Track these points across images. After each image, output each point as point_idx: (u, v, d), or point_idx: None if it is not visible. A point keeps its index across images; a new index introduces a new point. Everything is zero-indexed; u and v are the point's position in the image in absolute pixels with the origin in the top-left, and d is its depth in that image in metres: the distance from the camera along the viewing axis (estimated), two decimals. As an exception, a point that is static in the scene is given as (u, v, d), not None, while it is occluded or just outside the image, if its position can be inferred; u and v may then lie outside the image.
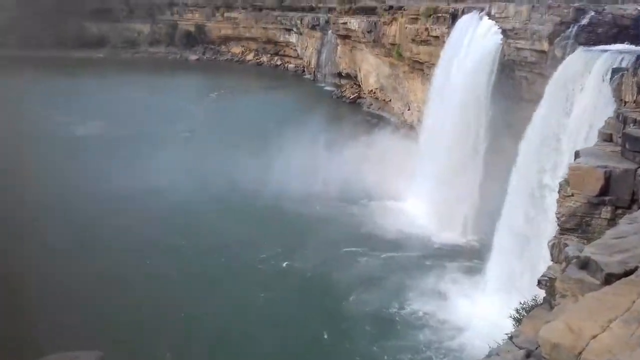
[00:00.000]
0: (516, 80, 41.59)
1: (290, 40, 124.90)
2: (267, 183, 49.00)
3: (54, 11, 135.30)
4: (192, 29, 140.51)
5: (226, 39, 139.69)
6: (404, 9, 70.71)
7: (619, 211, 18.28)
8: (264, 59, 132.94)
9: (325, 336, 31.41)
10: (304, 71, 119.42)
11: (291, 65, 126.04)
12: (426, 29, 60.31)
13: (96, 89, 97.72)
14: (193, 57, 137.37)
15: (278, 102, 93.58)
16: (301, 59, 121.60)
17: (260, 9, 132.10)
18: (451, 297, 34.84)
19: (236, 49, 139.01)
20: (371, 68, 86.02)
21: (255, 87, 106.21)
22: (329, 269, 38.48)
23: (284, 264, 39.52)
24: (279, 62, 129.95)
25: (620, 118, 21.24)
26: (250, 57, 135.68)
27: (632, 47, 29.50)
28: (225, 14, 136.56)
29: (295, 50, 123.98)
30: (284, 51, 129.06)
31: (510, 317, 19.69)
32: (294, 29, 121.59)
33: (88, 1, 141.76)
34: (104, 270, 36.79)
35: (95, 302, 33.05)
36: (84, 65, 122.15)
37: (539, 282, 18.19)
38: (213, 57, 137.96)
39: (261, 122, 75.84)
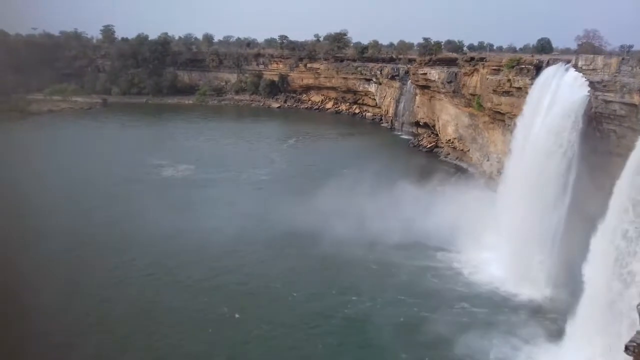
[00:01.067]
0: (604, 134, 39.99)
1: (369, 90, 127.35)
2: (344, 231, 48.94)
3: (153, 60, 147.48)
4: (275, 78, 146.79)
5: (307, 88, 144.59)
6: (486, 60, 70.52)
7: None
8: (343, 107, 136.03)
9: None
10: (381, 120, 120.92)
11: (369, 114, 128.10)
12: (508, 80, 59.68)
13: (186, 134, 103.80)
14: (275, 104, 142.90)
15: (355, 149, 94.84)
16: (379, 107, 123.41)
17: (342, 60, 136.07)
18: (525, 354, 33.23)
19: (316, 98, 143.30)
20: (450, 118, 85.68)
21: (333, 134, 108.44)
22: (412, 320, 37.92)
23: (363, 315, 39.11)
24: (357, 111, 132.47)
25: None
26: (329, 105, 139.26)
27: None
28: (308, 65, 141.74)
29: (374, 99, 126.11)
30: (363, 100, 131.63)
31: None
32: (373, 79, 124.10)
33: (183, 52, 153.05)
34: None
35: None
36: (176, 111, 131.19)
37: (627, 348, 17.08)
38: (294, 105, 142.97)
39: (338, 169, 76.57)
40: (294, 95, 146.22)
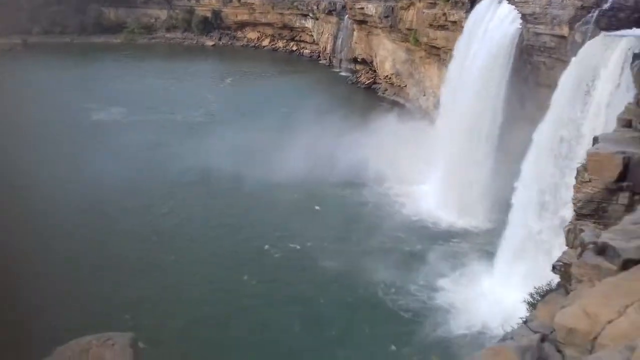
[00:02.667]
0: (534, 66, 41.05)
1: (306, 26, 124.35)
2: (282, 167, 49.13)
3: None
4: (208, 14, 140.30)
5: (242, 25, 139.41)
6: (422, -6, 69.90)
7: (637, 197, 18.10)
8: (280, 44, 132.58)
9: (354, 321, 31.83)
10: (319, 57, 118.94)
11: (307, 51, 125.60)
12: (444, 14, 59.59)
13: (114, 75, 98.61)
14: (209, 42, 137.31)
15: (293, 87, 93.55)
16: (317, 44, 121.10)
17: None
18: (462, 280, 34.92)
19: (252, 35, 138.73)
20: (387, 53, 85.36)
21: (270, 72, 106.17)
22: (350, 250, 38.99)
23: (298, 248, 39.83)
24: (294, 48, 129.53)
25: (641, 103, 20.94)
26: (266, 42, 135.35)
27: (655, 32, 28.95)
28: (242, 0, 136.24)
29: (311, 35, 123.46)
30: (300, 37, 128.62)
31: (524, 301, 19.69)
32: (310, 15, 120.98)
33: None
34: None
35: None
36: (103, 51, 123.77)
37: (554, 267, 18.10)
38: (229, 43, 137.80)
39: (276, 107, 75.97)
40: (229, 32, 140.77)
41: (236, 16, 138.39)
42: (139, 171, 51.36)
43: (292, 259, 38.61)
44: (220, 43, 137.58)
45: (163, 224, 43.03)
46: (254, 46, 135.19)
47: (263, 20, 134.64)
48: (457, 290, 34.06)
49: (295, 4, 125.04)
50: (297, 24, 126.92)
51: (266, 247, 39.81)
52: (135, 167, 51.91)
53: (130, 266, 36.57)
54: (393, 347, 29.20)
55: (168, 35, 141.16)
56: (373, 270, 36.03)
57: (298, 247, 39.79)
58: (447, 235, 41.29)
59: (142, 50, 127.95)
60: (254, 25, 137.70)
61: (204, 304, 32.94)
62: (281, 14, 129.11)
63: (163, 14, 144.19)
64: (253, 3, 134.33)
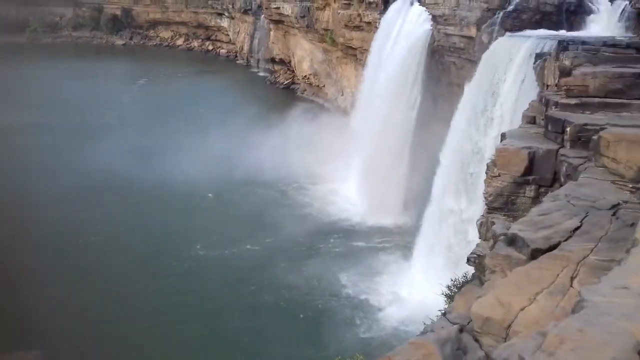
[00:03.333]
0: (445, 66, 42.67)
1: (222, 25, 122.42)
2: (199, 170, 48.23)
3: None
4: (118, 12, 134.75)
5: (155, 24, 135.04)
6: (337, -6, 70.77)
7: (542, 189, 19.17)
8: (195, 44, 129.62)
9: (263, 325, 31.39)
10: (236, 56, 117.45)
11: (223, 51, 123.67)
12: (358, 15, 60.65)
13: (18, 77, 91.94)
14: (120, 42, 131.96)
15: (210, 89, 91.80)
16: (233, 44, 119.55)
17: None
18: (381, 276, 35.64)
19: (165, 34, 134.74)
20: (305, 53, 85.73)
21: (186, 73, 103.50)
22: (265, 249, 38.68)
23: (215, 249, 39.12)
24: (210, 47, 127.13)
25: (543, 101, 22.25)
26: (180, 42, 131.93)
27: (554, 33, 30.84)
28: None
29: (227, 35, 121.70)
30: (216, 36, 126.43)
31: (442, 293, 20.32)
32: (226, 13, 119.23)
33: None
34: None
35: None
36: (5, 51, 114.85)
37: (468, 260, 18.81)
38: (141, 42, 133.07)
39: (192, 109, 74.25)
40: (140, 31, 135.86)
41: (148, 14, 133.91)
42: (36, 177, 48.47)
43: (206, 264, 37.74)
44: (132, 42, 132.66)
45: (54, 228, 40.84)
46: (168, 46, 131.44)
47: (177, 19, 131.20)
48: (377, 286, 34.69)
49: (209, 2, 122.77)
50: (213, 23, 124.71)
51: (175, 251, 38.73)
52: (32, 173, 49.05)
53: (31, 278, 34.23)
54: (314, 348, 29.08)
55: (75, 34, 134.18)
56: (290, 270, 35.94)
57: (202, 253, 38.68)
58: (366, 232, 41.94)
59: (47, 50, 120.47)
60: (167, 24, 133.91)
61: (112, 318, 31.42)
62: (195, 12, 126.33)
63: (68, 12, 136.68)
64: (165, 1, 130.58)
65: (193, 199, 46.47)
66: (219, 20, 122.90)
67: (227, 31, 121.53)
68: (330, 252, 39.06)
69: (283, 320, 31.66)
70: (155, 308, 32.08)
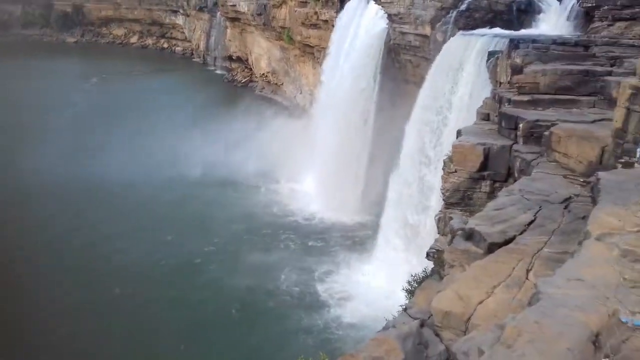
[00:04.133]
0: (402, 64, 43.17)
1: (177, 22, 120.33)
2: (156, 169, 47.39)
3: None
4: (69, 9, 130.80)
5: (107, 21, 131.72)
6: (293, -8, 70.64)
7: (497, 185, 19.69)
8: (149, 41, 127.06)
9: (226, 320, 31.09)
10: (192, 54, 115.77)
11: (179, 49, 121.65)
12: (315, 13, 60.65)
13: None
14: (71, 39, 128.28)
15: (166, 86, 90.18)
16: (189, 41, 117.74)
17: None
18: (341, 273, 35.92)
19: (118, 31, 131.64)
20: (262, 51, 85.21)
21: (140, 71, 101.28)
22: (228, 249, 38.28)
23: (171, 247, 38.52)
24: (165, 45, 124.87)
25: (496, 98, 22.82)
26: (134, 39, 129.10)
27: (506, 32, 31.61)
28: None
29: (183, 32, 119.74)
30: (171, 33, 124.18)
31: (403, 289, 20.59)
32: (180, 11, 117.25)
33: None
34: None
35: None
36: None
37: (428, 255, 19.13)
38: (93, 40, 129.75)
39: (147, 107, 72.71)
40: (92, 28, 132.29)
41: (100, 12, 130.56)
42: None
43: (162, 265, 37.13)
44: (83, 40, 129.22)
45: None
46: (121, 43, 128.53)
47: (130, 16, 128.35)
48: (339, 283, 34.84)
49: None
50: (167, 20, 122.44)
51: (120, 255, 37.62)
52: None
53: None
54: (272, 348, 28.93)
55: (24, 32, 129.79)
56: (251, 269, 35.70)
57: (153, 254, 37.82)
58: (327, 230, 42.01)
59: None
60: (120, 21, 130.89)
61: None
62: (149, 9, 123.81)
63: (17, 10, 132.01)
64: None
65: (143, 200, 45.41)
66: (173, 18, 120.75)
67: (182, 29, 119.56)
68: (288, 250, 39.02)
69: (237, 320, 31.35)
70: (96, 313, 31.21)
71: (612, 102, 17.56)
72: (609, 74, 21.37)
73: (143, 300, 32.35)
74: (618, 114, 14.28)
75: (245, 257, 37.25)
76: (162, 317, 31.02)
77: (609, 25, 28.47)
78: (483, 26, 34.08)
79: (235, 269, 35.69)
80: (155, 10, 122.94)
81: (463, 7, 35.75)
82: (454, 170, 20.66)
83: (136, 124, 62.06)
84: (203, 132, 54.36)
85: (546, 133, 17.89)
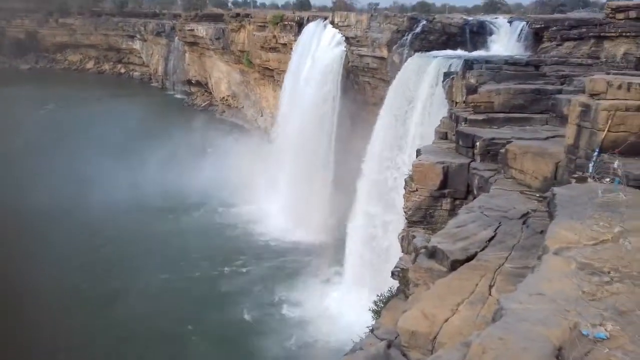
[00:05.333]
0: (361, 85, 43.78)
1: (134, 47, 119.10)
2: (115, 196, 46.29)
3: None
4: (22, 35, 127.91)
5: (62, 47, 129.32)
6: (251, 17, 71.11)
7: (457, 202, 20.01)
8: (106, 67, 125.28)
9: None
10: (150, 79, 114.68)
11: (136, 73, 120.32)
12: (274, 36, 61.18)
13: None
14: (25, 66, 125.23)
15: (124, 112, 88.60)
16: (147, 66, 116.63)
17: (100, 15, 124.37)
18: (307, 293, 35.66)
19: (74, 57, 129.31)
20: (222, 75, 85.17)
21: (98, 96, 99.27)
22: (185, 276, 37.56)
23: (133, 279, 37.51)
24: (122, 70, 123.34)
25: (453, 117, 23.32)
26: (90, 65, 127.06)
27: (460, 53, 32.53)
28: (60, 20, 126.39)
29: (140, 57, 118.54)
30: (128, 58, 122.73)
31: (369, 309, 20.54)
32: (137, 36, 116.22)
33: None
34: None
35: None
36: None
37: (393, 274, 19.20)
38: (48, 66, 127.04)
39: (106, 132, 71.25)
40: (47, 54, 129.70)
41: (54, 37, 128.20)
42: None
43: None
44: (38, 66, 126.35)
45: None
46: (77, 69, 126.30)
47: (86, 42, 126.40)
48: (306, 304, 34.61)
49: (120, 24, 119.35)
50: (124, 46, 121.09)
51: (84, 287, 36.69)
52: None
53: None
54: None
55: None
56: (217, 291, 35.38)
57: (120, 284, 36.96)
58: (293, 252, 41.85)
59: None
60: (76, 46, 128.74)
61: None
62: (105, 35, 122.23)
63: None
64: (73, 24, 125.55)
65: (104, 228, 44.28)
66: (130, 43, 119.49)
67: (139, 53, 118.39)
68: (254, 271, 38.69)
69: (208, 340, 30.77)
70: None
71: (563, 119, 18.15)
72: (560, 92, 22.15)
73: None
74: (569, 130, 14.76)
75: (213, 280, 36.77)
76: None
77: (558, 45, 29.70)
78: (438, 48, 34.99)
79: (194, 296, 35.07)
80: (111, 35, 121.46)
81: (418, 29, 36.65)
82: (415, 189, 20.93)
83: (93, 150, 60.69)
84: (163, 158, 53.54)
85: (502, 150, 18.34)
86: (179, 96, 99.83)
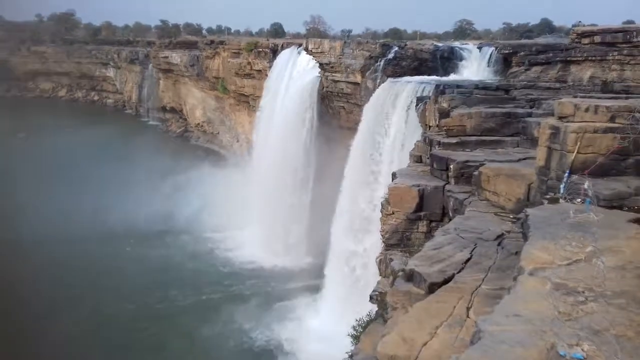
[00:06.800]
0: (335, 110, 44.18)
1: (108, 75, 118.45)
2: (87, 223, 45.53)
3: None
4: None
5: (34, 75, 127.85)
6: (226, 44, 71.55)
7: (433, 224, 20.16)
8: (79, 94, 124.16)
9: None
10: (124, 106, 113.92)
11: (110, 101, 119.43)
12: (249, 63, 61.60)
13: None
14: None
15: (98, 139, 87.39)
16: (121, 93, 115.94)
17: (72, 43, 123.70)
18: (286, 319, 35.26)
19: (46, 85, 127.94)
20: (197, 101, 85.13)
21: (71, 124, 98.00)
22: (165, 305, 36.89)
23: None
24: (96, 98, 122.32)
25: (427, 141, 23.66)
26: (62, 93, 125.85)
27: (432, 78, 33.14)
28: (32, 48, 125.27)
29: (114, 84, 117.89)
30: (102, 86, 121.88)
31: (349, 334, 20.38)
32: (111, 63, 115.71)
33: None
34: None
35: None
36: None
37: (371, 298, 19.15)
38: (19, 95, 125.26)
39: (80, 160, 70.30)
40: (18, 83, 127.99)
41: (26, 65, 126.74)
42: None
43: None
44: (8, 95, 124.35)
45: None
46: (49, 97, 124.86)
47: (58, 70, 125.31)
48: (284, 329, 34.21)
49: (93, 52, 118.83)
50: (97, 73, 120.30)
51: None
52: None
53: None
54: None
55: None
56: (195, 317, 34.73)
57: (98, 311, 36.28)
58: (271, 276, 41.51)
59: None
60: (48, 74, 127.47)
61: None
62: (78, 62, 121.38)
63: None
64: (45, 52, 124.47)
65: (81, 256, 43.39)
66: (104, 70, 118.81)
67: (113, 81, 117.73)
68: (233, 298, 38.18)
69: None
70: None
71: (534, 142, 18.53)
72: (529, 115, 22.69)
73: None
74: (540, 152, 15.06)
75: (192, 307, 36.14)
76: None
77: (526, 70, 30.49)
78: (410, 73, 35.63)
79: (181, 321, 34.45)
80: (84, 63, 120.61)
81: (390, 55, 37.29)
82: (391, 212, 21.04)
83: (67, 179, 59.80)
84: (139, 186, 52.94)
85: (475, 173, 18.61)
86: (153, 123, 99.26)
